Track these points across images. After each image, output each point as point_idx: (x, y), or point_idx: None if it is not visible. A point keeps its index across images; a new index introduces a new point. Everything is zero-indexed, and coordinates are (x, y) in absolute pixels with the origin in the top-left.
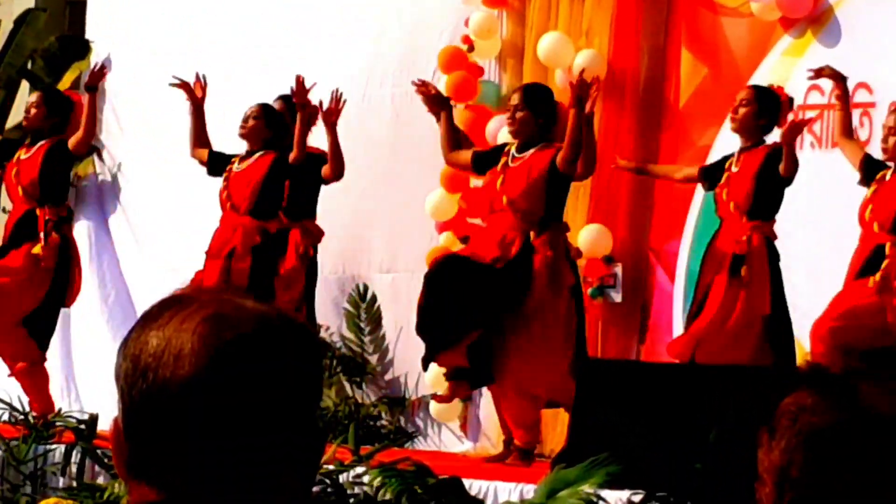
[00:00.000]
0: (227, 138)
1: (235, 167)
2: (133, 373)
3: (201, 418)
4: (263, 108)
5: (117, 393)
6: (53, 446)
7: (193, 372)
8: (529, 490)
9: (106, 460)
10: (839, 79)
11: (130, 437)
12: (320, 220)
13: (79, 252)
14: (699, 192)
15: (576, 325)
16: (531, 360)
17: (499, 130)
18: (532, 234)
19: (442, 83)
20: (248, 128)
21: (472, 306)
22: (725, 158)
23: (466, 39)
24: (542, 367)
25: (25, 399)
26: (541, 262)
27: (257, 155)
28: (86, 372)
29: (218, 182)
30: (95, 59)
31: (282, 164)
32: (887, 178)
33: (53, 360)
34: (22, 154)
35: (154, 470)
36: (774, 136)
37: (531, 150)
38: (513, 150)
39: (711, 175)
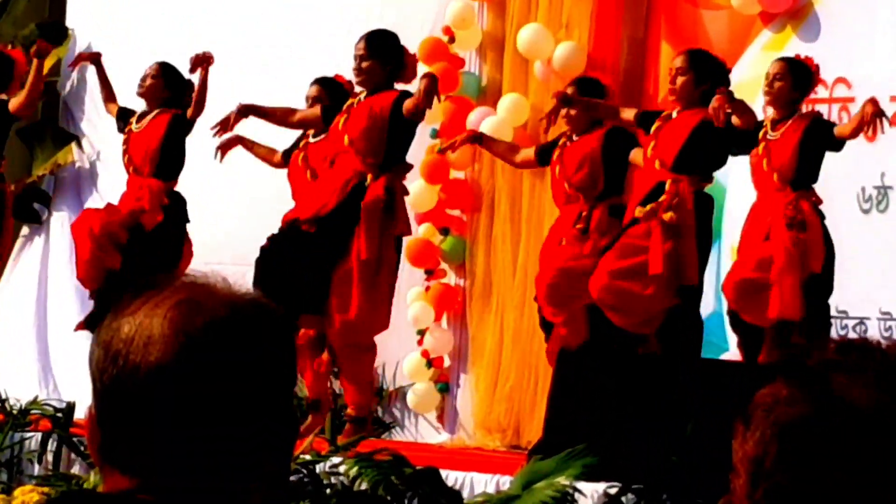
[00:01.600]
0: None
1: (134, 127)
2: (104, 359)
3: (172, 404)
4: (162, 67)
5: (90, 380)
6: (30, 434)
7: (164, 357)
8: (506, 481)
9: (82, 448)
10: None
11: (103, 424)
12: None
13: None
14: None
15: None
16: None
17: (479, 122)
18: (370, 176)
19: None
20: (146, 87)
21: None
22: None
23: (447, 31)
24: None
25: (2, 387)
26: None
27: (154, 113)
28: (62, 360)
29: (196, 169)
30: (75, 46)
31: (180, 122)
32: (674, 115)
33: (30, 348)
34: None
35: (126, 457)
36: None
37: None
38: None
39: (647, 121)
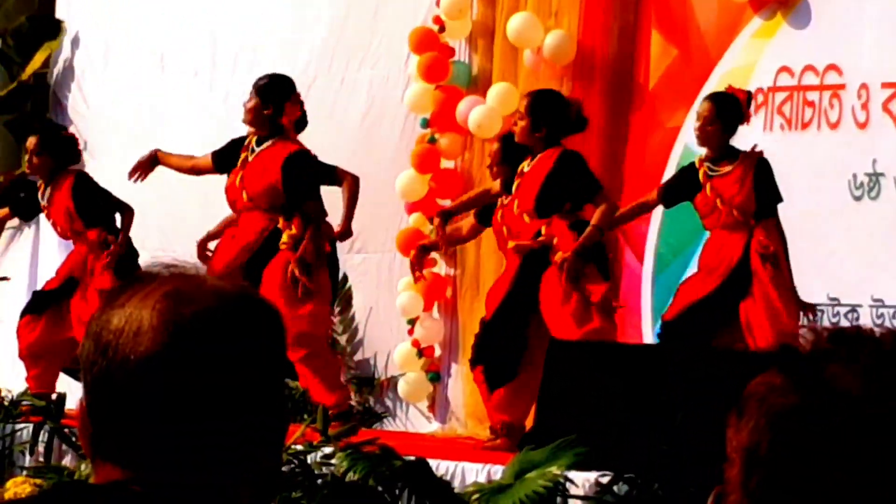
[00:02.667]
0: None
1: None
2: (94, 351)
3: (161, 395)
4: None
5: (81, 372)
6: (21, 426)
7: (152, 348)
8: (497, 470)
9: (73, 440)
10: None
11: (94, 416)
12: None
13: None
14: (668, 173)
15: None
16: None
17: (469, 111)
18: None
19: (413, 63)
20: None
21: None
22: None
23: (437, 20)
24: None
25: None
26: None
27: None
28: None
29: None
30: (66, 38)
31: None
32: (525, 168)
33: None
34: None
35: (117, 448)
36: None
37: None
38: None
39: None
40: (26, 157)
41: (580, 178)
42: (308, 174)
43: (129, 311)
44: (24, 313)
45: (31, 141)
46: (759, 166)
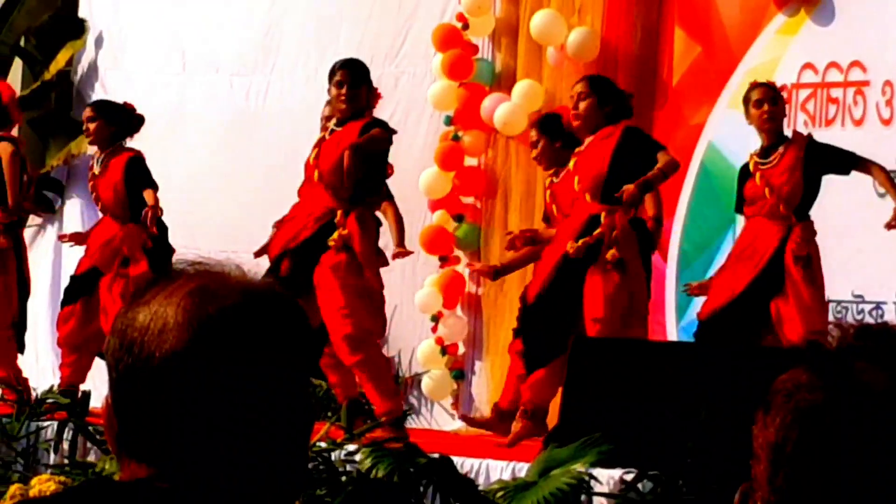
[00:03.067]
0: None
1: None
2: (120, 348)
3: (186, 392)
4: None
5: (107, 369)
6: (46, 423)
7: (177, 345)
8: (521, 468)
9: (98, 437)
10: None
11: (119, 414)
12: None
13: None
14: (692, 170)
15: None
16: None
17: (494, 108)
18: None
19: (437, 61)
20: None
21: None
22: None
23: (461, 17)
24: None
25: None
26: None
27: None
28: None
29: (210, 159)
30: (89, 36)
31: None
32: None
33: (45, 337)
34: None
35: (143, 446)
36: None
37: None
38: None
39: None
40: (83, 132)
41: (649, 151)
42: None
43: (155, 308)
44: (63, 304)
45: (87, 110)
46: (808, 150)
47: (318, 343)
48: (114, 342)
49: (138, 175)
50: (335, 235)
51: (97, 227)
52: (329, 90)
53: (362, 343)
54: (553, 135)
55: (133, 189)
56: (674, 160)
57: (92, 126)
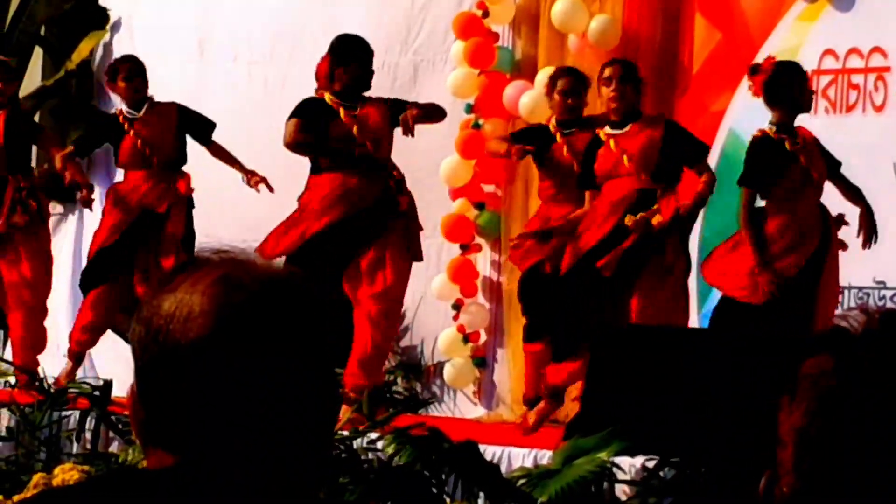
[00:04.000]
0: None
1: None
2: (145, 335)
3: (210, 380)
4: None
5: (132, 357)
6: (68, 413)
7: (202, 332)
8: (543, 455)
9: (120, 426)
10: None
11: (144, 401)
12: None
13: None
14: (713, 157)
15: None
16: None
17: (516, 96)
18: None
19: (456, 49)
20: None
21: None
22: None
23: (481, 5)
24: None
25: (42, 365)
26: None
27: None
28: (100, 339)
29: (233, 150)
30: (111, 26)
31: None
32: (626, 129)
33: (66, 327)
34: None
35: (168, 434)
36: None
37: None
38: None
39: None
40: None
41: (691, 142)
42: None
43: (180, 296)
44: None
45: (129, 66)
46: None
47: (342, 332)
48: (139, 329)
49: (189, 121)
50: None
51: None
52: None
53: None
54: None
55: (182, 136)
56: (714, 178)
57: (126, 85)
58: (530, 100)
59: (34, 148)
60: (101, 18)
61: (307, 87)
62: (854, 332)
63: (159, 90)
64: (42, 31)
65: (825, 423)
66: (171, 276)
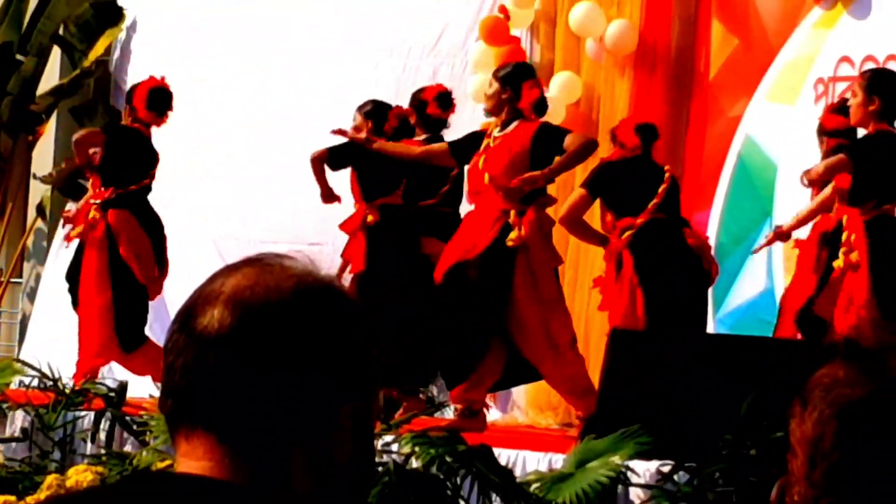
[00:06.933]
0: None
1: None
2: (174, 322)
3: (223, 362)
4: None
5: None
6: (83, 413)
7: (222, 329)
8: (558, 459)
9: (135, 427)
10: None
11: (166, 377)
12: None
13: None
14: (729, 162)
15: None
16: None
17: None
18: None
19: (480, 53)
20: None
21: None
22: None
23: (502, 9)
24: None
25: (55, 365)
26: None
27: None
28: None
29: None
30: (127, 25)
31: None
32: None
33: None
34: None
35: (187, 413)
36: None
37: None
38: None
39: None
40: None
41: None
42: (557, 147)
43: (211, 286)
44: None
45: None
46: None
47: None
48: (180, 309)
49: None
50: (512, 235)
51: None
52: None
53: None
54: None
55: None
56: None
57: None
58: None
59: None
60: (117, 17)
61: (321, 93)
62: (866, 342)
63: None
64: (60, 31)
65: (837, 432)
66: (215, 274)
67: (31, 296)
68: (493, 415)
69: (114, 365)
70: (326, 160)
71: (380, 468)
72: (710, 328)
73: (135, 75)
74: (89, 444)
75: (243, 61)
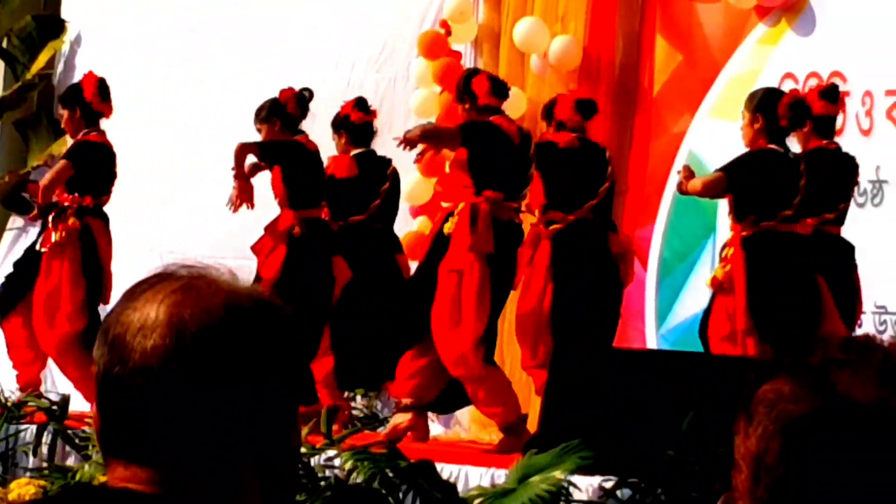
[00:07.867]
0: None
1: None
2: (103, 344)
3: (166, 393)
4: None
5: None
6: (25, 426)
7: (158, 345)
8: (500, 475)
9: (77, 441)
10: None
11: (102, 413)
12: None
13: None
14: (674, 177)
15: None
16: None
17: None
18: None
19: (421, 67)
20: None
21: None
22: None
23: (444, 24)
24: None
25: None
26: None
27: None
28: None
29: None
30: (70, 38)
31: None
32: None
33: None
34: None
35: (126, 446)
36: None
37: None
38: None
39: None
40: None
41: None
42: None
43: (140, 306)
44: None
45: None
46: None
47: (306, 351)
48: (100, 339)
49: None
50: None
51: None
52: None
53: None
54: None
55: None
56: None
57: None
58: None
59: None
60: (58, 30)
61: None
62: (811, 358)
63: (117, 104)
64: (3, 44)
65: (781, 448)
66: (136, 288)
67: None
68: (435, 430)
69: (56, 377)
70: (256, 153)
71: (322, 483)
72: (653, 344)
73: None
74: (31, 458)
75: (189, 76)
